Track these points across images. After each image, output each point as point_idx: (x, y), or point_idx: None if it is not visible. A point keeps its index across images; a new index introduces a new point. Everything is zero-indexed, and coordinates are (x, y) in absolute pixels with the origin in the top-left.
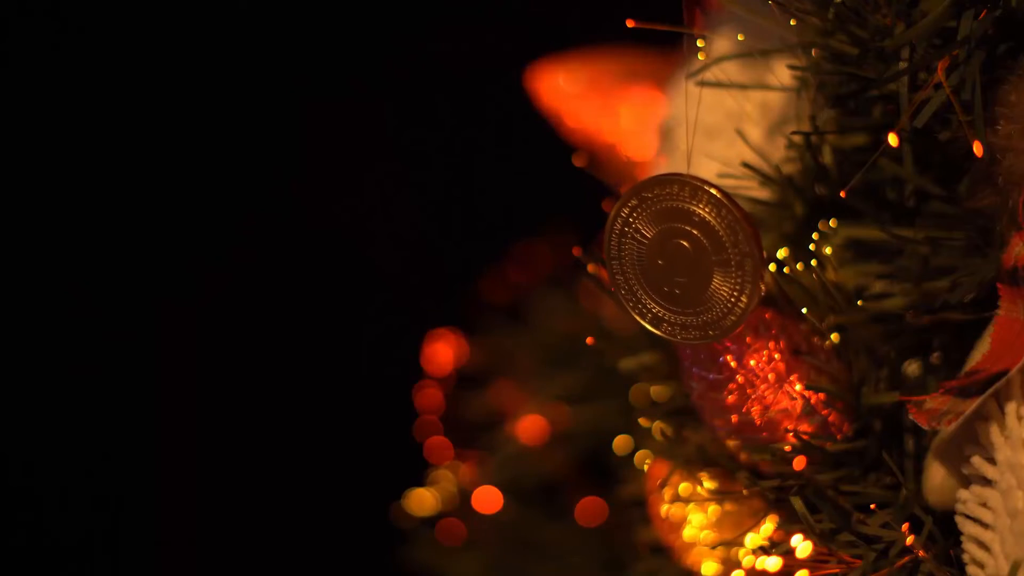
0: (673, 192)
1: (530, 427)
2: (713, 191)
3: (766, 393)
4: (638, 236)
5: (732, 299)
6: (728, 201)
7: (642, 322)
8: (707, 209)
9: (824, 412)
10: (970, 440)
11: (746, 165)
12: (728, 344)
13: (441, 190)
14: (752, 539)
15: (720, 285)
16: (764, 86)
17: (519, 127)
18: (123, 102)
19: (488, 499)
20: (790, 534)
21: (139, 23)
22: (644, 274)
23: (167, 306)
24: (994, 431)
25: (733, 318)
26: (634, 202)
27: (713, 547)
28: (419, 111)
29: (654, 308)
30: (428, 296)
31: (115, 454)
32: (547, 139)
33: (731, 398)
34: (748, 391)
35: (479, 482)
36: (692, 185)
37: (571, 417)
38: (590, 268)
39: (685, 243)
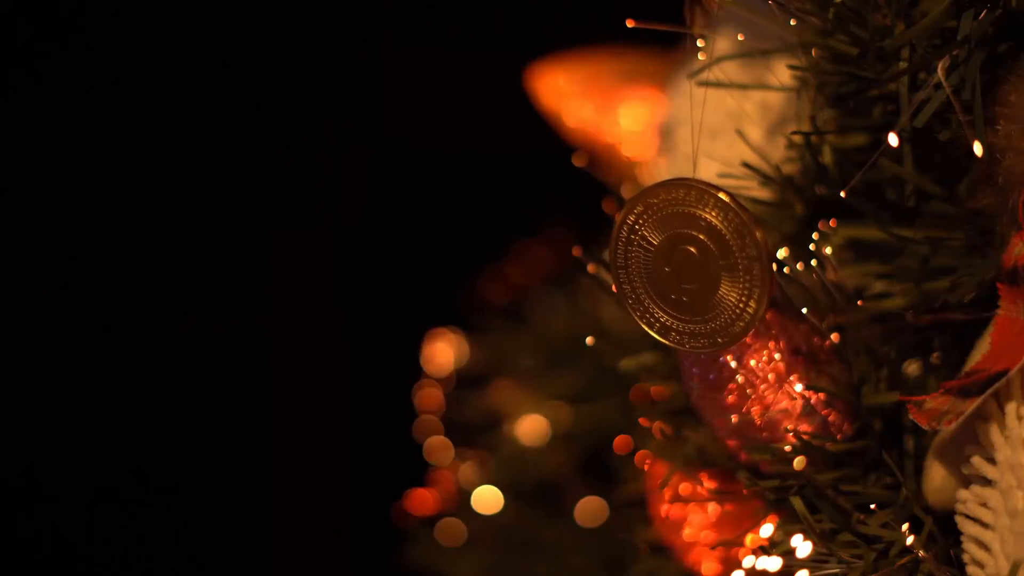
0: (679, 197)
1: (530, 427)
2: (720, 195)
3: (766, 393)
4: (644, 243)
5: (740, 305)
6: (735, 204)
7: (650, 332)
8: (714, 213)
9: (824, 412)
10: (970, 440)
11: (746, 165)
12: None
13: (441, 190)
14: (752, 539)
15: (728, 291)
16: (764, 86)
17: (519, 127)
18: (124, 104)
19: (488, 499)
20: (790, 534)
21: (139, 24)
22: (651, 282)
23: (169, 305)
24: (994, 431)
25: (742, 324)
26: (640, 208)
27: (713, 547)
28: (419, 110)
29: (662, 317)
30: (428, 296)
31: (114, 454)
32: (547, 139)
33: (731, 398)
34: (748, 391)
35: (479, 482)
36: (698, 189)
37: (571, 417)
38: (590, 268)
39: (692, 249)
